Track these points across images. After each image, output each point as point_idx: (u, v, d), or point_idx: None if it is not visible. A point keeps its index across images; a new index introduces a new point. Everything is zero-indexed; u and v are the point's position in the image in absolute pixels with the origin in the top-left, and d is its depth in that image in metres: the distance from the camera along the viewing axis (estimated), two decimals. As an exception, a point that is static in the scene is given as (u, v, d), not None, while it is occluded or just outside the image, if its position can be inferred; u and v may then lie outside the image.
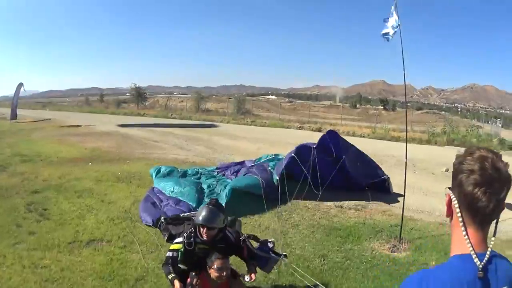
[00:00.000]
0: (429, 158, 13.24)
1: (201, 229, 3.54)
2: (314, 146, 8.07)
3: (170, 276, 3.53)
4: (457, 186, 1.25)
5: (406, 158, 6.32)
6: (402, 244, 5.59)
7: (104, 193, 8.33)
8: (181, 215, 5.46)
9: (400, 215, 6.19)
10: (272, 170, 9.14)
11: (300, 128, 24.67)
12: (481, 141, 19.35)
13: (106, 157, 12.26)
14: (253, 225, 6.73)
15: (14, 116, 20.45)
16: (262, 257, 4.00)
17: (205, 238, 3.53)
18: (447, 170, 11.25)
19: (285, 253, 4.36)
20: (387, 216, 7.23)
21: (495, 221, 1.26)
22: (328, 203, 7.90)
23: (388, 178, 8.77)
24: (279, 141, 16.82)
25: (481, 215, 1.22)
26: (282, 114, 37.79)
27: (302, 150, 8.24)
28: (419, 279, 1.25)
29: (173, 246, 3.66)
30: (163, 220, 5.44)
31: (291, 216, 7.38)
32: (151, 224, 6.57)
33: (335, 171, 7.98)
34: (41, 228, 6.37)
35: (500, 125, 28.62)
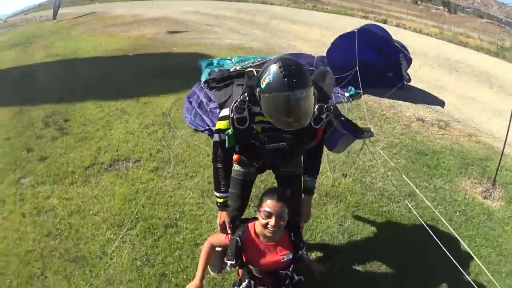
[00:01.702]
0: (502, 75, 10.21)
1: None
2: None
3: (218, 198, 2.35)
4: None
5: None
6: (495, 189, 4.47)
7: (142, 91, 6.50)
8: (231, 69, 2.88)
9: (489, 145, 5.54)
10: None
11: (365, 17, 20.29)
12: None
13: (151, 46, 10.21)
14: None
15: (55, 16, 18.81)
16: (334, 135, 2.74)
17: None
18: (524, 93, 9.01)
19: (368, 128, 2.91)
20: (474, 144, 5.61)
21: None
22: (407, 113, 6.24)
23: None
24: (344, 29, 13.35)
25: None
26: (343, 1, 32.53)
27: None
28: None
29: (219, 124, 2.24)
30: (203, 86, 2.97)
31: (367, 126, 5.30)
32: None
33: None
34: (56, 149, 4.82)
35: None
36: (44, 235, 3.36)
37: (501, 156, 4.45)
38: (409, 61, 6.83)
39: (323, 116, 2.14)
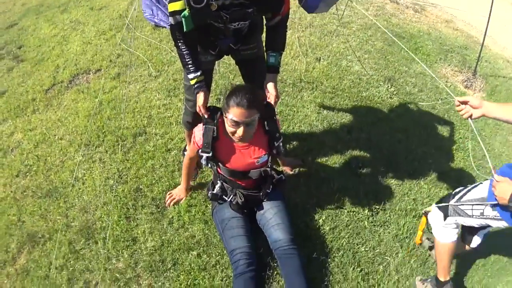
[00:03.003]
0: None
1: None
2: None
3: (192, 79, 2.00)
4: None
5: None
6: (476, 79, 4.34)
7: (95, -4, 5.63)
8: None
9: (467, 33, 5.37)
10: None
11: None
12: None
13: None
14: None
15: None
16: None
17: None
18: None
19: None
20: (452, 30, 5.37)
21: None
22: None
23: None
24: None
25: None
26: None
27: None
28: None
29: (172, 6, 1.83)
30: None
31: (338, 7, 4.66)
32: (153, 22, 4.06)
33: None
34: (13, 80, 4.26)
35: None
36: (14, 176, 2.99)
37: (482, 47, 4.20)
38: None
39: None
